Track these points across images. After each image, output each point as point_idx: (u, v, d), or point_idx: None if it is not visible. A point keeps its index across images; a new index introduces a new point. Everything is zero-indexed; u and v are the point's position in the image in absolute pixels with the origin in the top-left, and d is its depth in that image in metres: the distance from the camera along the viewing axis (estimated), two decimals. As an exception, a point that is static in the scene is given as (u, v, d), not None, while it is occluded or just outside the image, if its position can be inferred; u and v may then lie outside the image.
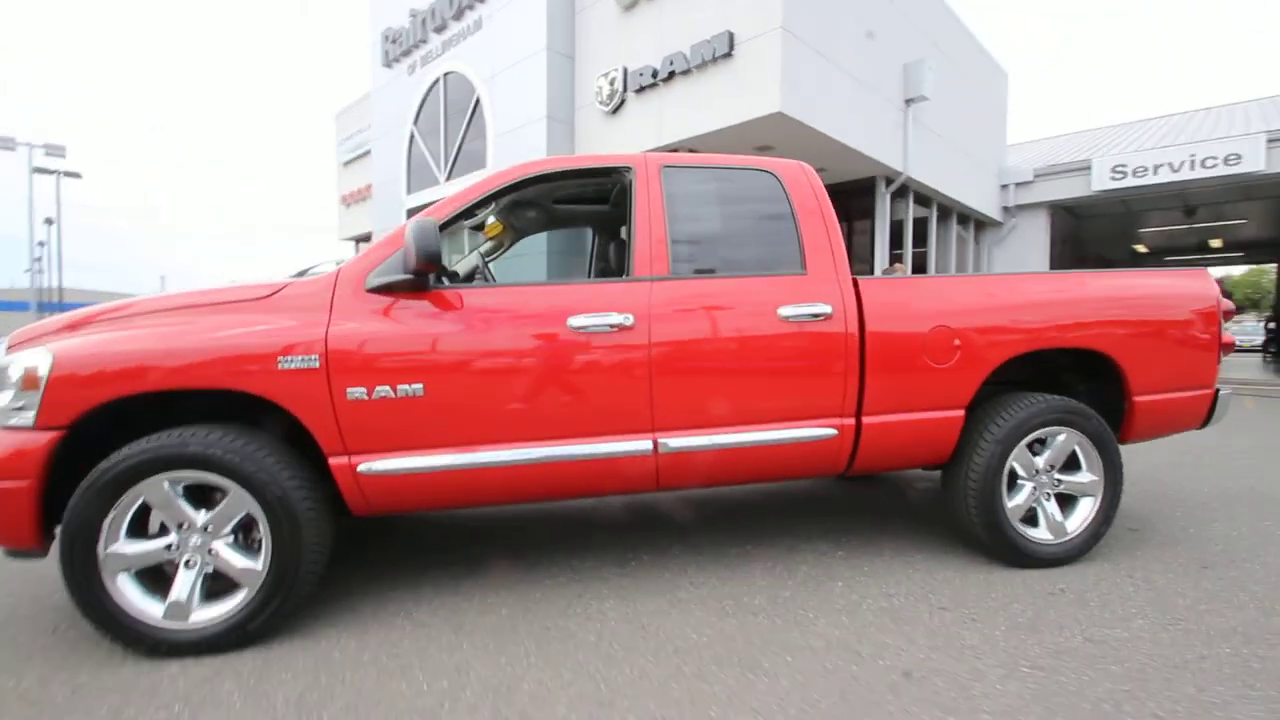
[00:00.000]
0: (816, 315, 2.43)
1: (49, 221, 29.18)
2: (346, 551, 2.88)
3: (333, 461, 2.12)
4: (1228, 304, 2.87)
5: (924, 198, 12.03)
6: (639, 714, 1.69)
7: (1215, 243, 20.49)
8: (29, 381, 1.92)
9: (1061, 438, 2.66)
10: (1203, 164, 12.07)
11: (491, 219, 3.28)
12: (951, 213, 13.24)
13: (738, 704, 1.73)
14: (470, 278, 3.23)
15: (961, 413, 2.59)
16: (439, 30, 12.39)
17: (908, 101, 10.21)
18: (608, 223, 3.56)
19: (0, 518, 1.92)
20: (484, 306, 2.25)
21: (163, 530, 2.04)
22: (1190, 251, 22.55)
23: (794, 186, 2.63)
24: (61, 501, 1.96)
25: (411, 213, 13.32)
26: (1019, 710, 1.70)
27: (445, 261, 2.50)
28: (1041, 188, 14.25)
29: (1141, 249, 22.49)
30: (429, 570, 2.70)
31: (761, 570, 2.66)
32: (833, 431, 2.47)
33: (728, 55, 8.14)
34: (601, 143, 10.05)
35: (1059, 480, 2.70)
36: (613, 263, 3.15)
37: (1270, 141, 11.43)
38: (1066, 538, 2.67)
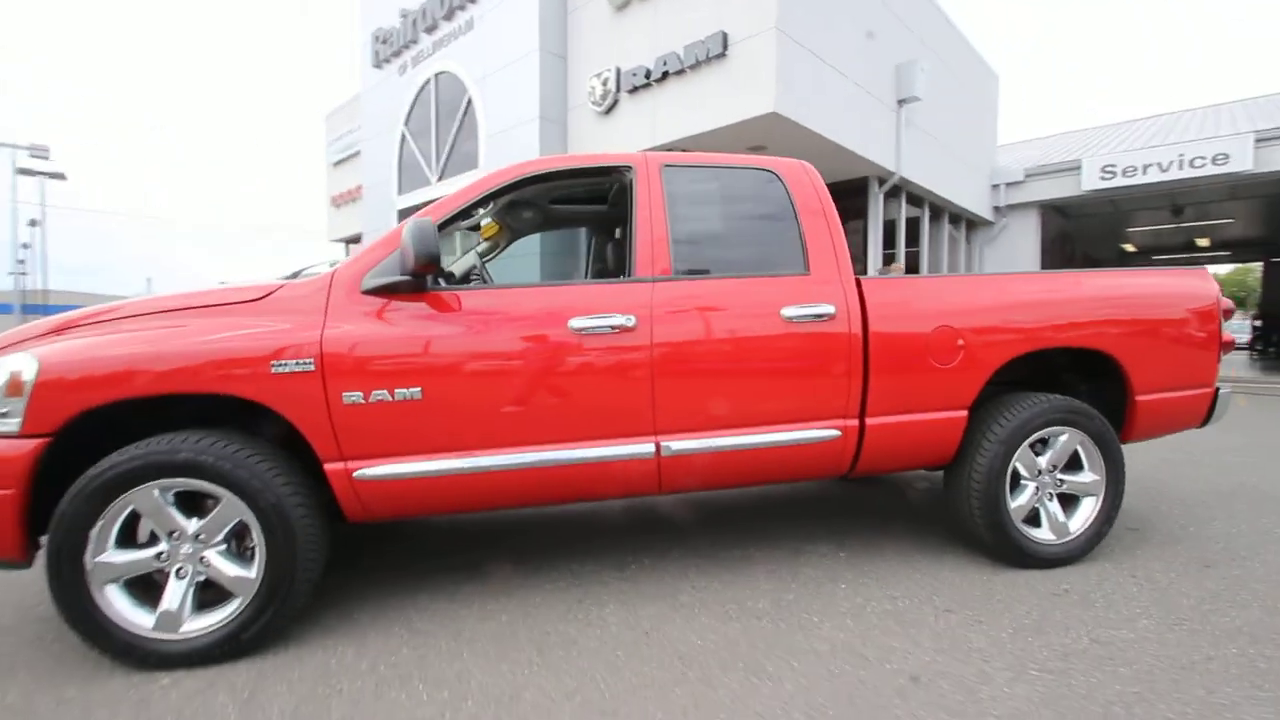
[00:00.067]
0: (820, 316, 2.41)
1: (33, 223, 28.83)
2: (342, 558, 2.83)
3: (328, 467, 2.08)
4: (1227, 303, 2.88)
5: (916, 198, 12.06)
6: (645, 723, 1.66)
7: (1202, 242, 20.69)
8: (13, 387, 1.86)
9: (1064, 438, 2.65)
10: (1191, 164, 12.17)
11: (488, 219, 3.24)
12: (943, 212, 13.29)
13: (743, 710, 1.70)
14: (466, 279, 3.18)
15: (965, 413, 2.58)
16: (430, 30, 12.31)
17: (900, 102, 10.23)
18: (605, 223, 3.53)
19: (-16, 527, 1.85)
20: (483, 308, 2.21)
21: (153, 539, 1.98)
22: (1177, 250, 22.76)
23: (796, 185, 2.60)
24: (48, 510, 1.90)
25: (403, 214, 13.24)
26: (1028, 714, 1.68)
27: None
28: (1032, 187, 14.33)
29: (1130, 248, 22.68)
30: (427, 576, 2.65)
31: (764, 573, 2.63)
32: (836, 433, 2.45)
33: (721, 55, 8.12)
34: (595, 143, 10.00)
35: (1061, 480, 2.68)
36: (611, 263, 3.12)
37: (1258, 142, 11.53)
38: (1069, 538, 2.66)
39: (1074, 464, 2.71)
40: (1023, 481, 2.65)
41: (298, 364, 2.00)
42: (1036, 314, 2.61)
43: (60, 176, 28.90)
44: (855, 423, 2.47)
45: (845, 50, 8.89)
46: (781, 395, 2.41)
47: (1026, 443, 2.59)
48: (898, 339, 2.49)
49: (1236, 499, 3.68)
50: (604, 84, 9.61)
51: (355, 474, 2.08)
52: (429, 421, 2.12)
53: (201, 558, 1.98)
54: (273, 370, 1.99)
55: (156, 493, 1.91)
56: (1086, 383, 2.94)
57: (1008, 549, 2.60)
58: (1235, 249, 22.89)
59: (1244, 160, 11.60)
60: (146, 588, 1.99)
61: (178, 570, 1.97)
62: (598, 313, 2.24)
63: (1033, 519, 2.67)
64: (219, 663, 1.96)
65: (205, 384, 1.95)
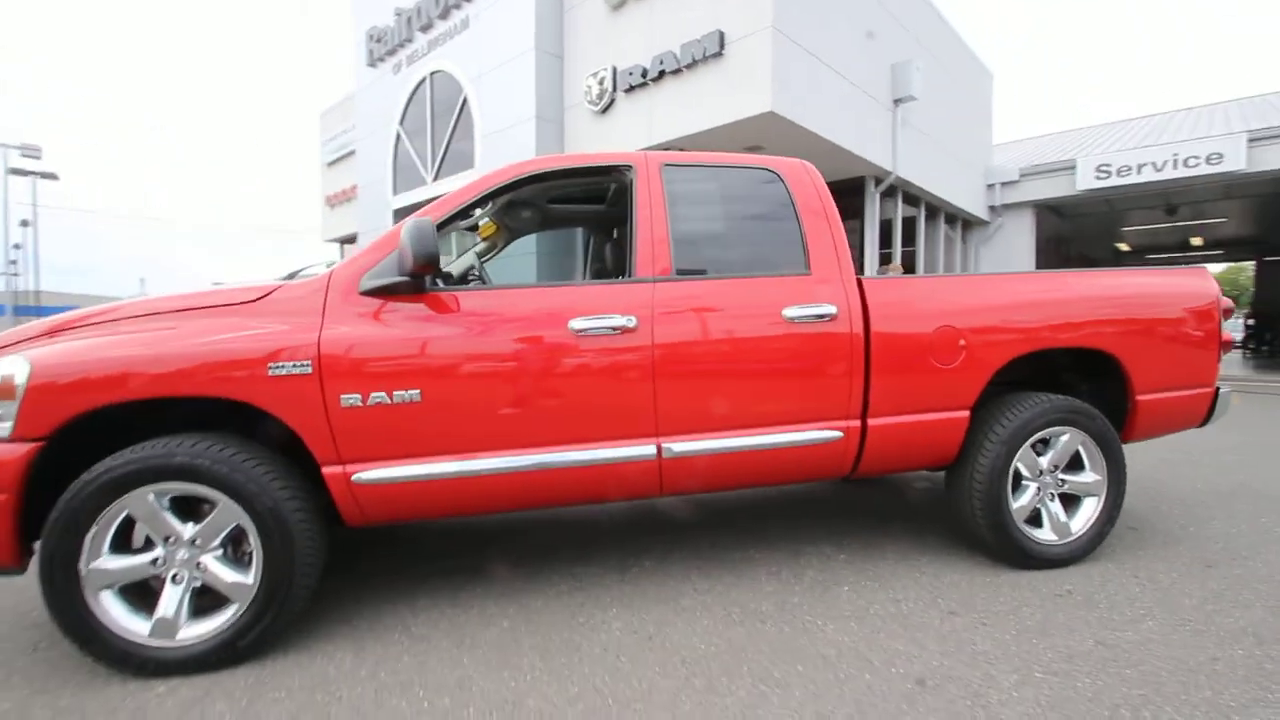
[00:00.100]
0: (821, 316, 2.39)
1: (25, 223, 28.61)
2: (339, 562, 2.80)
3: (326, 471, 2.05)
4: (1226, 302, 2.87)
5: (912, 197, 12.07)
6: (650, 730, 1.64)
7: (1195, 241, 20.78)
8: (4, 390, 1.83)
9: (1065, 438, 2.64)
10: (1185, 163, 12.20)
11: (485, 219, 3.21)
12: (939, 212, 13.30)
13: (751, 718, 1.68)
14: (464, 279, 3.16)
15: (967, 413, 2.56)
16: (425, 29, 12.24)
17: (896, 101, 10.22)
18: (604, 223, 3.50)
19: (-25, 534, 1.82)
20: (482, 309, 2.18)
21: (148, 544, 1.95)
22: (1171, 250, 22.85)
23: (797, 185, 2.58)
24: (42, 515, 1.87)
25: (398, 214, 13.17)
26: (1036, 718, 1.67)
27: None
28: (1027, 187, 14.35)
29: (1124, 247, 22.77)
30: (426, 580, 2.62)
31: (766, 575, 2.62)
32: (838, 434, 2.43)
33: (718, 54, 8.10)
34: (591, 143, 9.97)
35: (1063, 480, 2.68)
36: (610, 263, 3.10)
37: (1251, 141, 11.57)
38: (1071, 538, 2.66)
39: (1075, 464, 2.71)
40: (1024, 482, 2.64)
41: (295, 366, 1.98)
42: (1038, 314, 2.60)
43: (52, 176, 28.68)
44: (857, 424, 2.46)
45: (841, 49, 8.88)
46: (783, 396, 2.39)
47: (1028, 443, 2.59)
48: (900, 339, 2.48)
49: (1235, 498, 3.68)
50: (600, 83, 9.58)
51: (354, 477, 2.05)
52: (428, 424, 2.09)
53: (198, 563, 1.95)
54: (270, 373, 1.96)
55: (152, 497, 1.88)
56: (1086, 383, 2.94)
57: (1010, 550, 2.59)
58: (1228, 248, 23.01)
59: (1237, 160, 11.64)
60: (142, 594, 1.96)
61: (174, 576, 1.94)
62: (598, 313, 2.22)
63: (1034, 519, 2.66)
64: (216, 670, 1.93)
65: (201, 387, 1.92)
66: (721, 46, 8.06)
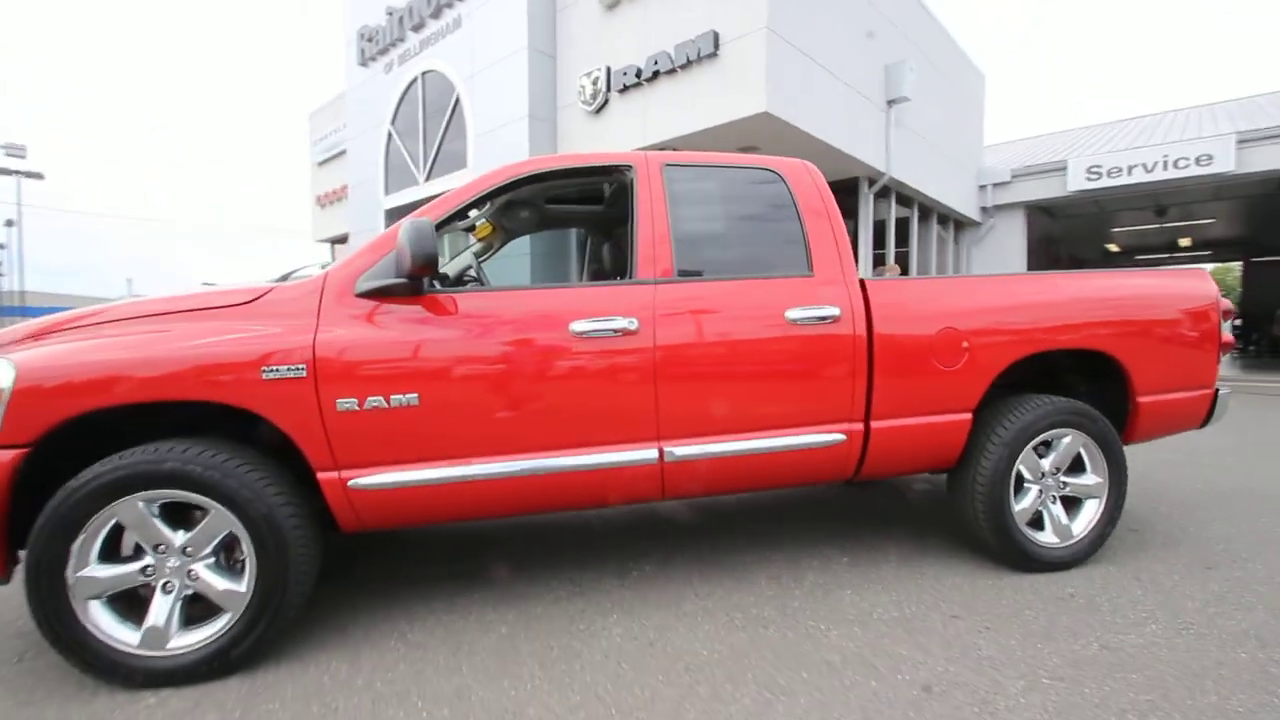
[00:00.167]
0: (824, 318, 2.37)
1: (9, 223, 28.25)
2: (334, 568, 2.74)
3: (321, 476, 2.00)
4: (1226, 303, 2.87)
5: (906, 198, 12.10)
6: (654, 740, 1.61)
7: (1184, 241, 20.96)
8: (-11, 395, 1.78)
9: (1067, 440, 2.63)
10: (1175, 164, 12.29)
11: (482, 220, 3.17)
12: (932, 213, 13.34)
13: (757, 726, 1.66)
14: (460, 281, 3.11)
15: (969, 416, 2.55)
16: (417, 29, 12.16)
17: (889, 102, 10.25)
18: (602, 223, 3.47)
19: (-43, 543, 1.77)
20: (481, 311, 2.15)
21: (138, 552, 1.90)
22: (1160, 250, 23.05)
23: (798, 185, 2.56)
24: (28, 523, 1.81)
25: (390, 214, 13.08)
26: (1045, 725, 1.65)
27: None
28: (1018, 188, 14.42)
29: (1114, 248, 22.94)
30: (422, 586, 2.58)
31: (767, 579, 2.59)
32: (841, 437, 2.41)
33: (713, 55, 8.08)
34: (584, 143, 9.93)
35: (1065, 483, 2.67)
36: (609, 264, 3.06)
37: (1240, 143, 11.67)
38: (1073, 540, 2.64)
39: (1076, 466, 2.70)
40: (1026, 484, 2.63)
41: (289, 369, 1.93)
42: (1041, 316, 2.59)
43: (38, 176, 28.35)
44: (860, 426, 2.44)
45: (835, 50, 8.88)
46: (786, 399, 2.37)
47: (1030, 445, 2.57)
48: (902, 341, 2.46)
49: (1234, 499, 3.69)
50: (594, 83, 9.54)
51: (350, 483, 2.01)
52: (426, 428, 2.05)
53: (189, 571, 1.90)
54: (263, 376, 1.91)
55: (141, 504, 1.83)
56: (1087, 384, 2.93)
57: (1012, 552, 2.58)
58: (1216, 249, 23.22)
59: (1227, 161, 11.73)
60: (131, 603, 1.91)
61: (164, 584, 1.89)
62: (599, 315, 2.19)
63: (1036, 522, 2.65)
64: (207, 681, 1.88)
65: (193, 391, 1.88)
66: (716, 47, 8.04)
